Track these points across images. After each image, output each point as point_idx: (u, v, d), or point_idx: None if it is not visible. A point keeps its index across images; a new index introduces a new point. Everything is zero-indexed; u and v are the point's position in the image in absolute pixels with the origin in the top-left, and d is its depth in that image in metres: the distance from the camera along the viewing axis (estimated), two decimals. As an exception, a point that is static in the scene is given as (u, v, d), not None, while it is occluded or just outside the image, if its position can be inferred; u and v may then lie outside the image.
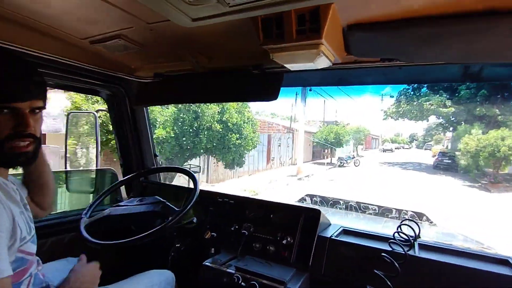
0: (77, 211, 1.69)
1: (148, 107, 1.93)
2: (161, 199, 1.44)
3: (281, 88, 1.38)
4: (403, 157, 26.96)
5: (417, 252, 1.16)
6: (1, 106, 0.77)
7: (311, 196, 1.75)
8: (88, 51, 1.51)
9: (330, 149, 19.79)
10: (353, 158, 19.55)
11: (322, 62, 1.09)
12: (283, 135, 17.54)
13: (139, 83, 1.79)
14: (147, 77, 1.76)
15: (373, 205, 1.59)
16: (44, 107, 0.86)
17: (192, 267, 1.49)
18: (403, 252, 1.10)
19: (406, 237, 1.18)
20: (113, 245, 1.26)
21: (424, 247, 1.21)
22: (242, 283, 1.16)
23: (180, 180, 6.56)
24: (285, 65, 1.15)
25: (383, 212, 1.60)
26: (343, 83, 1.51)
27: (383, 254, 1.11)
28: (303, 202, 1.76)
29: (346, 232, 1.37)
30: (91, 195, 1.87)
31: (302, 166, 14.90)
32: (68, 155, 1.93)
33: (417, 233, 1.19)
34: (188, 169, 1.54)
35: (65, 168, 1.86)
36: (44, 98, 0.86)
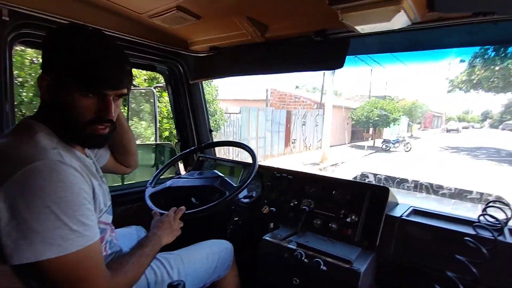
0: (141, 182, 1.78)
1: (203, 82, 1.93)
2: (220, 174, 1.45)
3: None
4: (473, 139, 22.00)
5: (508, 238, 1.01)
6: (92, 92, 0.78)
7: (375, 174, 1.63)
8: (146, 26, 1.53)
9: (374, 129, 17.17)
10: (402, 140, 15.58)
11: (399, 21, 0.96)
12: (310, 111, 14.52)
13: (195, 57, 1.78)
14: (203, 51, 1.75)
15: (448, 186, 1.44)
16: (128, 94, 0.88)
17: (250, 240, 1.49)
18: (492, 237, 0.97)
19: (494, 221, 1.04)
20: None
21: None
22: (305, 260, 1.12)
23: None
24: (355, 27, 1.04)
25: (460, 193, 1.43)
26: (417, 48, 1.34)
27: (466, 238, 0.99)
28: (364, 179, 1.65)
29: (417, 212, 1.26)
30: (153, 168, 1.96)
31: (328, 150, 11.77)
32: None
33: (509, 216, 1.04)
34: (246, 144, 1.52)
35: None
36: (130, 86, 0.87)
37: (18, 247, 0.64)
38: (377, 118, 16.03)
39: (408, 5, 0.89)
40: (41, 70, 0.80)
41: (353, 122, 17.29)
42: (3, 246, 0.64)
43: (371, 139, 17.44)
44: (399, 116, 16.91)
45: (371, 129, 17.97)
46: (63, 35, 0.79)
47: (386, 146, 15.29)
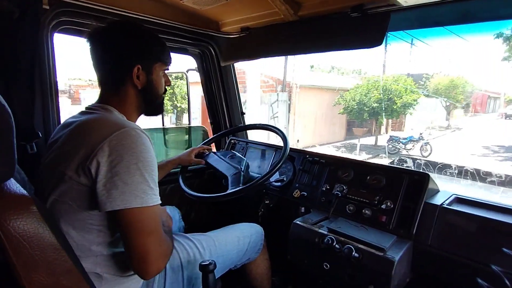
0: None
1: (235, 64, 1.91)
2: (246, 163, 1.44)
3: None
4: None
5: None
6: (168, 66, 1.04)
7: (414, 159, 1.54)
8: (177, 9, 1.52)
9: (376, 120, 12.32)
10: (419, 139, 10.38)
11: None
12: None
13: (227, 39, 1.76)
14: (234, 32, 1.72)
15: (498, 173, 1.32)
16: None
17: (281, 224, 1.50)
18: (546, 230, 0.88)
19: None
20: (206, 198, 1.32)
21: None
22: (336, 245, 1.10)
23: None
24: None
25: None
26: (467, 20, 1.20)
27: None
28: (402, 164, 1.57)
29: (460, 200, 1.17)
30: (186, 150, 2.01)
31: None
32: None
33: None
34: (276, 127, 1.49)
35: (162, 125, 2.00)
36: None
37: (111, 195, 0.76)
38: (376, 105, 11.15)
39: (459, -28, 0.79)
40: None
41: (341, 111, 12.00)
42: (98, 194, 0.77)
43: (373, 135, 12.58)
44: (412, 100, 11.27)
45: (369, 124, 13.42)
46: (133, 27, 0.98)
47: (393, 146, 10.61)
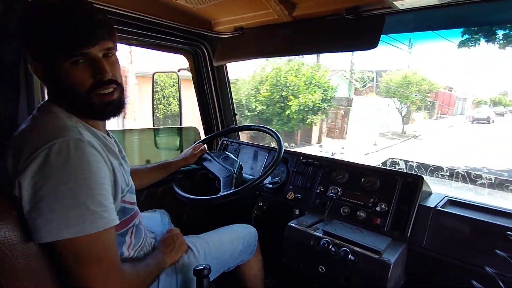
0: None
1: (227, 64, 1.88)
2: (239, 165, 1.42)
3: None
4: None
5: None
6: (73, 55, 0.73)
7: (406, 161, 1.55)
8: (170, 7, 1.49)
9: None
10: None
11: (446, -6, 0.87)
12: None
13: (220, 38, 1.74)
14: (228, 32, 1.70)
15: (487, 174, 1.34)
16: (115, 49, 0.82)
17: (274, 226, 1.48)
18: (539, 232, 0.90)
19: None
20: (199, 200, 1.30)
21: None
22: (332, 248, 1.10)
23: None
24: (394, 2, 0.95)
25: (502, 183, 1.34)
26: (460, 24, 1.24)
27: (509, 232, 0.92)
28: (395, 167, 1.58)
29: (453, 203, 1.19)
30: (177, 151, 1.97)
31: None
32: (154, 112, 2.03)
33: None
34: (270, 129, 1.48)
35: (153, 125, 1.96)
36: (114, 39, 0.81)
37: (37, 226, 0.64)
38: (262, 107, 7.47)
39: (456, -24, 0.80)
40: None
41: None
42: (26, 225, 0.66)
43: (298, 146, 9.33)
44: (313, 102, 7.53)
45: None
46: (29, 14, 0.75)
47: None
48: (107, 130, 0.94)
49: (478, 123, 20.30)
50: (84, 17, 0.74)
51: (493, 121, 20.91)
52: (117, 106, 0.83)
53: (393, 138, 13.42)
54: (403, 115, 14.98)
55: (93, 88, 0.77)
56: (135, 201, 0.97)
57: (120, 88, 0.83)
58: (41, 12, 0.73)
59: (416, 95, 14.10)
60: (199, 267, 0.94)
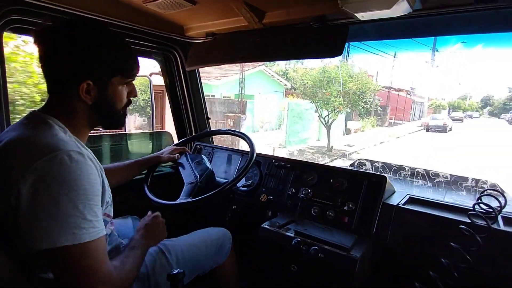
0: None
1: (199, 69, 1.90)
2: (211, 170, 1.44)
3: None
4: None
5: (502, 226, 1.04)
6: (131, 77, 0.91)
7: (372, 162, 1.64)
8: (140, 12, 1.48)
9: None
10: None
11: (400, 9, 0.95)
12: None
13: (191, 43, 1.75)
14: (199, 37, 1.71)
15: (444, 172, 1.45)
16: None
17: (248, 228, 1.51)
18: (486, 225, 0.99)
19: (488, 209, 1.06)
20: (173, 205, 1.30)
21: (510, 220, 1.08)
22: (303, 247, 1.14)
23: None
24: (355, 14, 1.01)
25: (456, 180, 1.45)
26: (416, 35, 1.33)
27: (461, 226, 1.00)
28: (361, 167, 1.66)
29: (413, 200, 1.27)
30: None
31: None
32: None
33: (502, 204, 1.06)
34: (243, 133, 1.51)
35: (152, 129, 1.93)
36: None
37: (35, 233, 0.67)
38: None
39: (409, -8, 0.87)
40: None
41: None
42: (21, 232, 0.68)
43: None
44: None
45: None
46: (95, 37, 0.83)
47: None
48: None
49: (434, 131, 17.66)
50: (132, 50, 0.91)
51: (450, 129, 18.41)
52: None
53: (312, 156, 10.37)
54: (328, 123, 10.98)
55: (126, 105, 0.94)
56: (112, 214, 0.97)
57: None
58: (109, 35, 0.86)
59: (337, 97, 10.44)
60: (173, 272, 0.94)
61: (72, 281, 0.70)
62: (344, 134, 13.72)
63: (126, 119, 1.01)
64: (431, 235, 1.09)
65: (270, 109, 13.64)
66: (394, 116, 20.81)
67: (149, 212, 1.20)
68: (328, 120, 11.09)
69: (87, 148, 0.86)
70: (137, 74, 0.93)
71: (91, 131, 0.95)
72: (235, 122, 11.10)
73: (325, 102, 10.67)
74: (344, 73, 10.52)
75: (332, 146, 11.17)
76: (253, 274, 1.66)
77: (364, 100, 11.42)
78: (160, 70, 1.93)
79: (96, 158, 0.86)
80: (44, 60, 0.81)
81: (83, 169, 0.73)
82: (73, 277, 0.70)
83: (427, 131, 18.04)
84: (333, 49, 1.23)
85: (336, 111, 10.83)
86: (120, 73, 0.86)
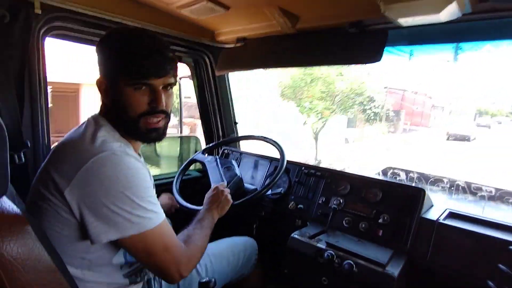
0: (167, 174, 1.80)
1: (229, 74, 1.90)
2: (240, 177, 1.42)
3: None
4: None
5: None
6: (138, 82, 0.81)
7: (407, 172, 1.57)
8: (173, 17, 1.51)
9: None
10: None
11: (449, 13, 0.90)
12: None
13: (222, 48, 1.75)
14: (230, 42, 1.71)
15: (488, 186, 1.35)
16: (175, 83, 0.89)
17: (276, 236, 1.48)
18: (541, 247, 0.91)
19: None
20: (185, 207, 1.31)
21: None
22: (336, 260, 1.10)
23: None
24: (398, 19, 0.97)
25: (502, 195, 1.35)
26: (462, 39, 1.26)
27: (511, 247, 0.93)
28: (395, 177, 1.59)
29: (454, 215, 1.19)
30: (177, 159, 1.97)
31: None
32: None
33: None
34: (274, 140, 1.48)
35: (180, 133, 1.96)
36: (176, 75, 0.88)
37: (102, 228, 0.72)
38: None
39: (460, -4, 0.82)
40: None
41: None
42: (87, 228, 0.73)
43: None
44: None
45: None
46: (109, 38, 0.85)
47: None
48: (139, 153, 0.98)
49: (455, 140, 15.37)
50: (159, 51, 0.82)
51: (474, 138, 16.05)
52: (160, 134, 0.89)
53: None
54: (315, 131, 9.09)
55: (144, 114, 0.84)
56: None
57: (167, 118, 0.90)
58: (121, 37, 0.83)
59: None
60: (204, 280, 0.93)
61: (151, 260, 0.78)
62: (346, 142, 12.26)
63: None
64: (475, 255, 1.02)
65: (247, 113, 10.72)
66: (410, 122, 18.41)
67: (213, 185, 1.23)
68: (316, 131, 9.25)
69: (138, 154, 0.90)
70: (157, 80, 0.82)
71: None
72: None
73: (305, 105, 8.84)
74: (334, 70, 8.44)
75: (320, 160, 8.78)
76: (280, 284, 1.63)
77: (374, 103, 9.93)
78: (190, 74, 1.95)
79: (145, 164, 0.89)
80: None
81: (131, 166, 0.77)
82: (151, 257, 0.78)
83: (448, 139, 16.13)
84: (371, 55, 1.18)
85: (321, 117, 8.80)
86: (127, 74, 0.80)
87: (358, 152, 10.77)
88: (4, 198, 0.67)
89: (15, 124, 1.11)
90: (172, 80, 0.86)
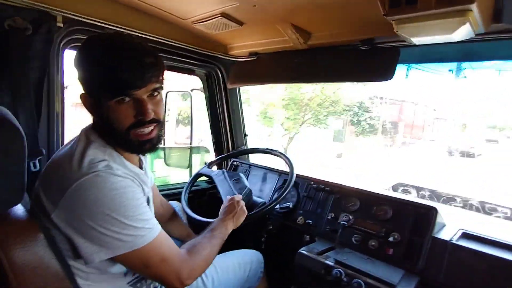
0: (176, 184, 1.81)
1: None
2: (249, 189, 1.40)
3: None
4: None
5: None
6: (119, 96, 0.75)
7: (418, 189, 1.54)
8: (188, 31, 1.55)
9: None
10: None
11: (462, 33, 0.90)
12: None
13: (234, 62, 1.78)
14: (242, 56, 1.74)
15: (504, 206, 1.32)
16: (161, 88, 0.83)
17: (283, 250, 1.46)
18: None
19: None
20: (210, 223, 1.29)
21: None
22: (344, 279, 1.08)
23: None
24: (411, 38, 0.98)
25: (517, 216, 1.32)
26: (472, 58, 1.26)
27: None
28: (406, 193, 1.57)
29: (468, 236, 1.17)
30: (187, 170, 1.98)
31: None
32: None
33: None
34: (282, 153, 1.49)
35: (190, 144, 1.97)
36: (160, 79, 0.82)
37: (93, 248, 0.71)
38: None
39: (474, 17, 0.82)
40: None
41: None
42: (79, 249, 0.72)
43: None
44: None
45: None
46: (83, 50, 0.79)
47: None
48: (140, 159, 0.97)
49: (459, 155, 14.74)
50: (135, 60, 0.76)
51: (479, 154, 15.03)
52: (153, 144, 0.85)
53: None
54: (285, 148, 7.98)
55: (132, 126, 0.79)
56: None
57: (160, 125, 0.85)
58: (95, 50, 0.77)
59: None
60: None
61: (149, 271, 0.78)
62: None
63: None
64: (492, 278, 0.98)
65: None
66: (410, 135, 17.41)
67: (228, 197, 1.22)
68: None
69: (132, 166, 0.86)
70: (136, 93, 0.77)
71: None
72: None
73: (264, 115, 7.57)
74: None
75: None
76: None
77: (368, 115, 9.20)
78: (201, 86, 1.98)
79: (139, 178, 0.86)
80: None
81: (118, 187, 0.74)
82: (148, 269, 0.77)
83: (450, 155, 15.21)
84: (383, 73, 1.19)
85: (284, 129, 7.43)
86: (107, 89, 0.76)
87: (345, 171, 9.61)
88: (19, 206, 0.68)
89: (32, 132, 1.14)
90: (156, 85, 0.80)
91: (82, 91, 0.81)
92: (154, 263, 0.77)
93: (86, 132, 0.84)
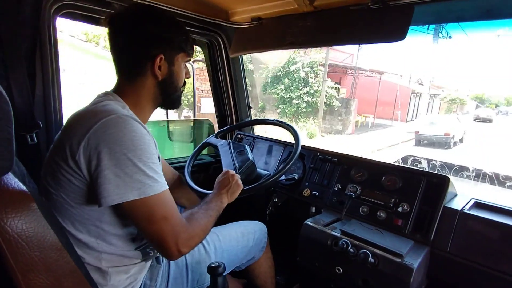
0: (179, 158, 1.78)
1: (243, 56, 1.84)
2: (252, 161, 1.36)
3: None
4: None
5: None
6: (190, 56, 0.98)
7: (429, 160, 1.48)
8: (186, -4, 1.45)
9: None
10: None
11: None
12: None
13: (236, 29, 1.68)
14: (244, 22, 1.64)
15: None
16: None
17: (289, 223, 1.45)
18: None
19: None
20: (195, 191, 1.27)
21: None
22: (351, 249, 1.05)
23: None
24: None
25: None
26: (490, 16, 1.14)
27: None
28: (416, 165, 1.52)
29: (480, 205, 1.12)
30: (191, 143, 1.95)
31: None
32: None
33: None
34: (289, 124, 1.43)
35: (193, 117, 1.93)
36: None
37: (105, 190, 0.73)
38: None
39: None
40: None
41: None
42: (94, 189, 0.75)
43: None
44: None
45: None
46: (151, 15, 0.90)
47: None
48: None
49: (430, 145, 10.89)
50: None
51: (460, 140, 11.72)
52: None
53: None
54: None
55: (183, 85, 1.01)
56: None
57: None
58: (171, 17, 0.94)
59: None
60: (214, 265, 0.91)
61: (149, 227, 0.77)
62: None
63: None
64: (502, 247, 0.95)
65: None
66: (374, 115, 13.42)
67: (224, 170, 1.20)
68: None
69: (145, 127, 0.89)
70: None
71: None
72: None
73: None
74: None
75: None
76: (291, 270, 1.61)
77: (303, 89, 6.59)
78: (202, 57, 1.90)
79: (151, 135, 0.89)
80: (117, 42, 0.89)
81: (137, 130, 0.77)
82: (149, 223, 0.77)
83: (418, 144, 11.30)
84: (395, 33, 1.09)
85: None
86: (183, 50, 0.94)
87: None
88: (10, 175, 0.66)
89: (27, 104, 1.11)
90: None
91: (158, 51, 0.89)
92: (157, 219, 0.77)
93: (105, 93, 0.91)
